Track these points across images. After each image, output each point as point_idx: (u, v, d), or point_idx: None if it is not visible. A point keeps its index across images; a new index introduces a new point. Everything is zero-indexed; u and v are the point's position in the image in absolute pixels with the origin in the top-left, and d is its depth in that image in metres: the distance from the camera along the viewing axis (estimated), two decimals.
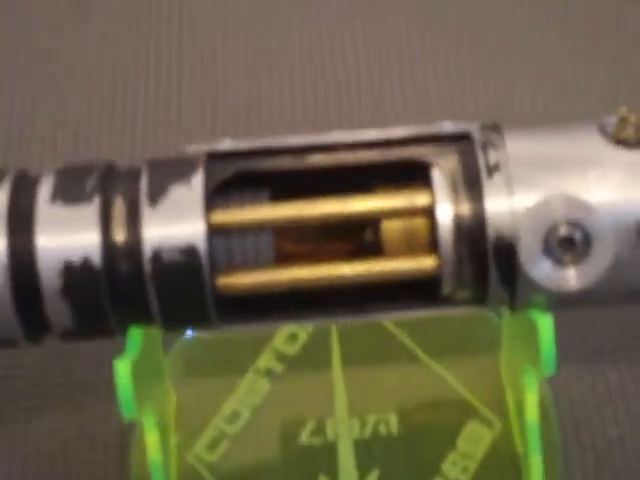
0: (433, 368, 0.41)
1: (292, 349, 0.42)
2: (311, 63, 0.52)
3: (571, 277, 0.30)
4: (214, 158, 0.31)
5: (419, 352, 0.42)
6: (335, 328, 0.42)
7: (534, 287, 0.30)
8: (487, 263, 0.30)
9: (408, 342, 0.42)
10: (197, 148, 0.31)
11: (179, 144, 0.48)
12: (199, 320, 0.31)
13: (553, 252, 0.30)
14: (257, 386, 0.41)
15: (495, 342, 0.41)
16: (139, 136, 0.50)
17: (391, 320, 0.41)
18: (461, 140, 0.31)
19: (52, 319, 0.31)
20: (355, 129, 0.32)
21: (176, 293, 0.30)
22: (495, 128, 0.31)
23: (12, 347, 0.32)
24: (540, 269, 0.30)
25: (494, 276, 0.30)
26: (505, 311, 0.37)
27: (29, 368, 0.43)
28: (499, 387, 0.41)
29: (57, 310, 0.30)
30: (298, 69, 0.52)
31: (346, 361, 0.42)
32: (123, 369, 0.31)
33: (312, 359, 0.42)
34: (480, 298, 0.31)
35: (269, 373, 0.42)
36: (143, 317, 0.31)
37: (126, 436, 0.41)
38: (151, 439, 0.35)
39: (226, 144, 0.31)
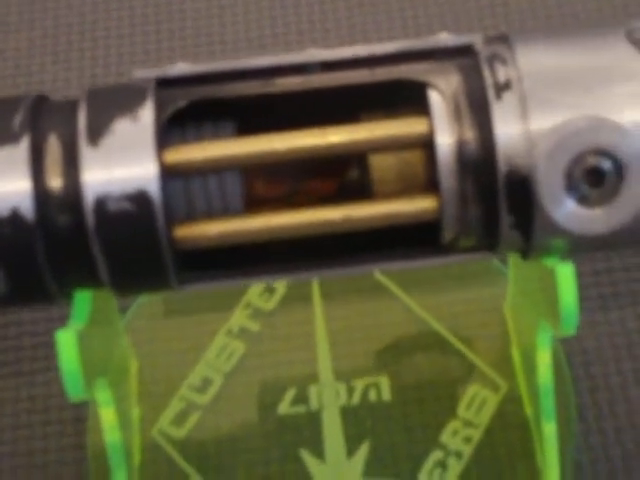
0: (429, 325, 0.37)
1: (269, 304, 0.38)
2: None
3: (599, 218, 0.26)
4: (165, 85, 0.27)
5: (413, 306, 0.37)
6: (317, 279, 0.38)
7: (554, 230, 0.26)
8: (497, 203, 0.26)
9: (400, 294, 0.37)
10: (144, 74, 0.26)
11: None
12: (155, 281, 0.27)
13: (578, 188, 0.25)
14: (230, 348, 0.37)
15: (499, 294, 0.37)
16: (87, 68, 0.44)
17: (382, 272, 0.36)
18: (462, 56, 0.27)
19: None
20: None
21: (126, 249, 0.26)
22: (502, 39, 0.27)
23: None
24: (562, 209, 0.26)
25: (506, 218, 0.26)
26: (514, 258, 0.32)
27: None
28: (504, 344, 0.36)
29: None
30: None
31: (330, 317, 0.38)
32: (67, 342, 0.26)
33: (291, 315, 0.38)
34: (488, 245, 0.27)
35: (243, 333, 0.38)
36: (88, 279, 0.27)
37: (83, 408, 0.36)
38: (107, 418, 0.30)
39: (179, 68, 0.27)
